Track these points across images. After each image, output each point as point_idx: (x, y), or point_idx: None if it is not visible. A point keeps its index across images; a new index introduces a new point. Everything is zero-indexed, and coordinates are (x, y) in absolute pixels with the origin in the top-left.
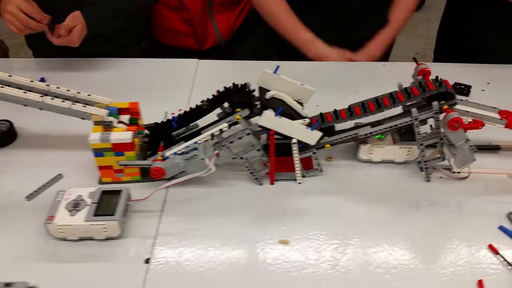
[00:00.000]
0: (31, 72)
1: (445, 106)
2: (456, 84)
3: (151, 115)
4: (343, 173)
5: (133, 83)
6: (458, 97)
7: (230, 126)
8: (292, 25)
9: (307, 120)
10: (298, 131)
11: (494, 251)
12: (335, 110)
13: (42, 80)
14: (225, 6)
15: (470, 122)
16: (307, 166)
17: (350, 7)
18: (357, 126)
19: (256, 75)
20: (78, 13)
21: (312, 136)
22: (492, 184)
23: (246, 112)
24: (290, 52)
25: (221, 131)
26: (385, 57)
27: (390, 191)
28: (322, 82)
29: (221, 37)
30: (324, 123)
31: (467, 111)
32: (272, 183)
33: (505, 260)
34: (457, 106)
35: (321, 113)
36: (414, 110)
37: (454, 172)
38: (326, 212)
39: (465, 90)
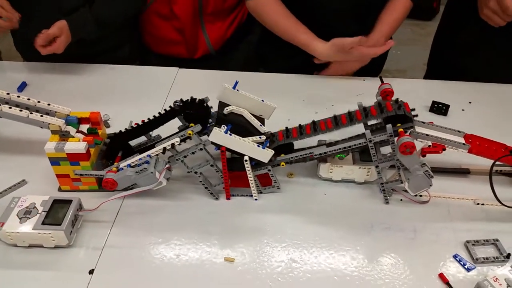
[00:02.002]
0: (17, 74)
1: (400, 129)
2: (434, 102)
3: (123, 123)
4: (302, 191)
5: (111, 89)
6: (419, 120)
7: (182, 140)
8: (290, 28)
9: (263, 137)
10: (249, 149)
11: (444, 280)
12: (286, 128)
13: (24, 84)
14: (216, 16)
15: (430, 145)
16: (266, 182)
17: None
18: (316, 145)
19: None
20: (63, 22)
21: (264, 154)
22: (454, 209)
23: (198, 127)
24: (278, 63)
25: (173, 145)
26: (378, 70)
27: (346, 212)
28: (299, 96)
29: (211, 46)
30: (277, 140)
31: (427, 135)
32: (228, 199)
33: None
34: (417, 129)
35: (271, 132)
36: (367, 132)
37: (415, 195)
38: (277, 231)
39: (443, 109)
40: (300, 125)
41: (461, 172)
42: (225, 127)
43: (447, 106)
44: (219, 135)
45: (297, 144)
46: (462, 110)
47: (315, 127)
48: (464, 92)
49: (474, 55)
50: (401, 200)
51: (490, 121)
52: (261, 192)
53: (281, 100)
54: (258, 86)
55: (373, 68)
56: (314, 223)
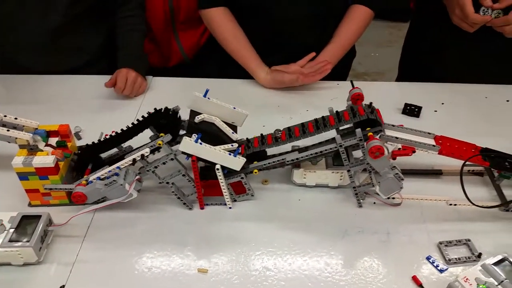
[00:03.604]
0: None
1: (370, 133)
2: (406, 105)
3: (95, 135)
4: (277, 198)
5: (83, 100)
6: (390, 123)
7: (153, 151)
8: (237, 51)
9: (235, 145)
10: (221, 157)
11: (417, 283)
12: (261, 134)
13: None
14: (189, 24)
15: (399, 148)
16: (240, 190)
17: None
18: (288, 152)
19: (210, 93)
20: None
21: (236, 162)
22: (427, 211)
23: (168, 137)
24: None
25: (142, 156)
26: (343, 75)
27: (321, 217)
28: (274, 102)
29: (185, 54)
30: (253, 147)
31: (397, 137)
32: (201, 208)
33: None
34: (387, 132)
35: (247, 138)
36: (337, 136)
37: (388, 198)
38: (252, 239)
39: (415, 110)
40: (263, 134)
41: (434, 173)
42: (196, 136)
43: (420, 108)
44: (189, 144)
45: (271, 150)
46: (435, 111)
47: (290, 134)
48: (437, 94)
49: (443, 54)
50: (374, 203)
51: (463, 122)
52: (235, 200)
53: (256, 106)
54: (233, 93)
55: (341, 70)
56: (289, 230)
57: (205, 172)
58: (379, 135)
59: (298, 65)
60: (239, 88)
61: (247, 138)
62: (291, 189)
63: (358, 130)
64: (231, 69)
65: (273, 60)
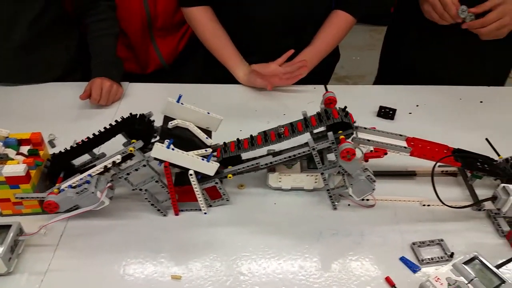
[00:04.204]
0: None
1: (342, 136)
2: (381, 107)
3: (70, 142)
4: (252, 202)
5: (58, 108)
6: (362, 126)
7: (125, 158)
8: (217, 48)
9: (209, 150)
10: (194, 162)
11: (391, 283)
12: (238, 139)
13: None
14: (167, 30)
15: (372, 150)
16: (215, 195)
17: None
18: (262, 156)
19: (187, 99)
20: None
21: (209, 167)
22: (401, 212)
23: (140, 143)
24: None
25: (114, 163)
26: (325, 79)
27: (296, 220)
28: (251, 106)
29: (163, 60)
30: (229, 151)
31: (369, 140)
32: (176, 214)
33: None
34: (360, 135)
35: (224, 143)
36: (310, 140)
37: (363, 200)
38: (226, 244)
39: (390, 113)
40: (251, 135)
41: (408, 174)
42: (168, 141)
43: (394, 110)
44: (161, 150)
45: (247, 154)
46: (409, 113)
47: (265, 138)
48: (412, 96)
49: (421, 55)
50: (349, 205)
51: (437, 123)
52: (210, 206)
53: (234, 111)
54: (211, 98)
55: (324, 73)
56: (264, 234)
57: (180, 178)
58: (351, 138)
59: (276, 64)
60: (217, 93)
61: (224, 143)
62: (267, 193)
63: (330, 134)
64: (212, 72)
65: (252, 60)
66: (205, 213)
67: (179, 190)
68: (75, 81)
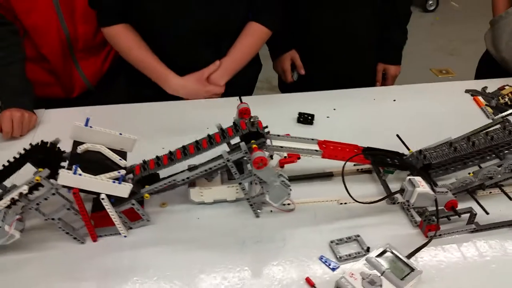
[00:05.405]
0: None
1: (254, 146)
2: (300, 114)
3: None
4: (175, 219)
5: None
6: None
7: (32, 188)
8: (142, 59)
9: (122, 171)
10: (104, 186)
11: (310, 283)
12: (157, 156)
13: None
14: (89, 51)
15: (285, 156)
16: (135, 216)
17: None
18: (179, 172)
19: (111, 121)
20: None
21: (122, 189)
22: (320, 212)
23: (46, 172)
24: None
25: (21, 194)
26: (249, 89)
27: (219, 233)
28: (174, 122)
29: (89, 82)
30: (149, 169)
31: (281, 146)
32: (94, 241)
33: None
34: (273, 143)
35: (144, 160)
36: (224, 152)
37: (284, 205)
38: (148, 265)
39: (309, 118)
40: (170, 151)
41: (326, 175)
42: (74, 167)
43: (312, 116)
44: (67, 176)
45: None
46: (327, 117)
47: (185, 152)
48: (329, 100)
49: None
50: (271, 211)
51: (354, 124)
52: (131, 228)
53: (156, 129)
54: (133, 117)
55: (248, 82)
56: (187, 250)
57: (98, 203)
58: (263, 147)
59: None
60: (141, 112)
61: (143, 160)
62: (190, 208)
63: (242, 144)
64: (139, 90)
65: None
66: (124, 236)
67: (97, 215)
68: None
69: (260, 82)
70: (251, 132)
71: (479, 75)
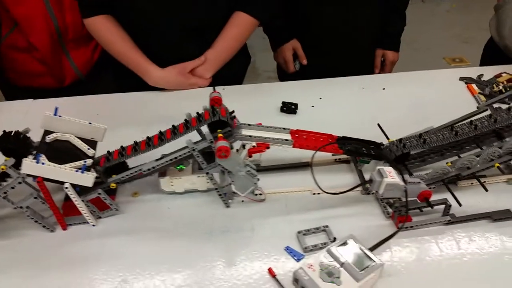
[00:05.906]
0: None
1: (220, 135)
2: (284, 103)
3: None
4: (146, 209)
5: None
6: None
7: (1, 177)
8: (127, 52)
9: (89, 161)
10: (67, 175)
11: (272, 274)
12: (122, 146)
13: None
14: (79, 41)
15: (254, 146)
16: (103, 206)
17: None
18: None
19: (101, 110)
20: None
21: (86, 179)
22: (292, 202)
23: (11, 161)
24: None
25: None
26: (237, 79)
27: (188, 223)
28: (154, 113)
29: (79, 71)
30: (112, 160)
31: (251, 136)
32: (64, 229)
33: (280, 284)
34: (244, 132)
35: (108, 151)
36: (188, 141)
37: (256, 195)
38: (114, 255)
39: (292, 108)
40: (135, 141)
41: (302, 165)
42: (37, 156)
43: (296, 105)
44: (30, 165)
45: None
46: (312, 106)
47: (149, 143)
48: (315, 89)
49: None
50: (242, 201)
51: (339, 114)
52: (100, 217)
53: (136, 118)
54: (119, 107)
55: (237, 73)
56: (154, 240)
57: None
58: (230, 136)
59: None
60: (127, 101)
61: (108, 151)
62: (161, 198)
63: (207, 133)
64: (126, 81)
65: None
66: (93, 225)
67: (66, 204)
68: None
69: (267, 72)
70: (220, 121)
71: (483, 63)
